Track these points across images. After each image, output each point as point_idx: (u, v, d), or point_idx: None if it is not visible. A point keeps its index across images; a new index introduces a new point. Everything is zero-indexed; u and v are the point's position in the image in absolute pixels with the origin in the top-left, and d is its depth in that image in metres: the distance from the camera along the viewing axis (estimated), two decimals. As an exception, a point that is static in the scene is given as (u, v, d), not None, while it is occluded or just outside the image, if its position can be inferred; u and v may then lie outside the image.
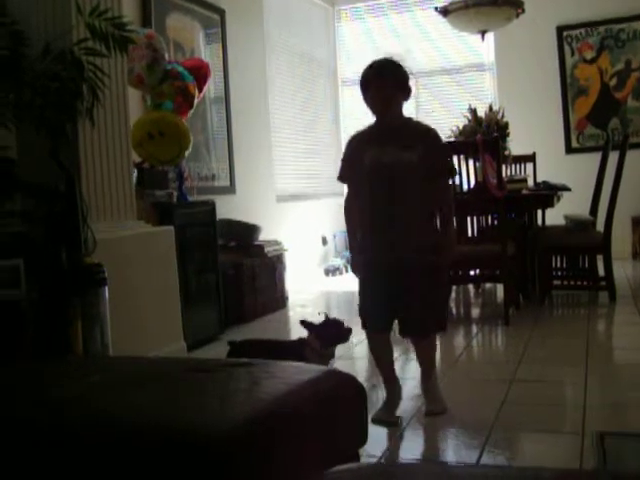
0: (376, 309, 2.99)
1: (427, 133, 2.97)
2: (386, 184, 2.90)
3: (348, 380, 1.80)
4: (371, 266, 2.99)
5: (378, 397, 3.18)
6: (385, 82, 2.89)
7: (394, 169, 2.87)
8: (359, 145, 3.00)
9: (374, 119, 2.99)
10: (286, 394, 1.59)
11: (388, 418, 2.95)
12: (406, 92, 2.94)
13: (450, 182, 3.33)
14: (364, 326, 3.05)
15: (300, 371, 1.74)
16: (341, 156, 3.10)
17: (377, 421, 2.91)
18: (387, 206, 2.91)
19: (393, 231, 2.90)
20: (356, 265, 3.09)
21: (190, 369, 1.79)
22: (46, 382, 1.94)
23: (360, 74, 2.97)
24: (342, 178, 3.09)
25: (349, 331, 3.16)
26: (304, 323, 3.17)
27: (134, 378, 1.78)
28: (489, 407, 3.03)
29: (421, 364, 3.09)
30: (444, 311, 3.16)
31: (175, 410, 1.58)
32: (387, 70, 2.93)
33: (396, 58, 2.98)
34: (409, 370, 3.65)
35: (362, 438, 1.85)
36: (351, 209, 3.08)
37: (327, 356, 3.02)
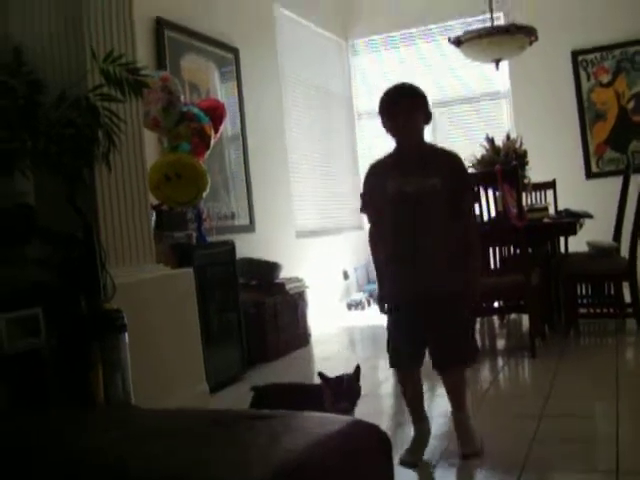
0: (404, 344, 2.94)
1: (450, 158, 2.93)
2: (410, 213, 2.84)
3: (372, 430, 1.75)
4: (397, 300, 2.95)
5: (405, 435, 3.12)
6: (404, 107, 2.84)
7: (418, 197, 2.81)
8: (380, 174, 2.94)
9: (394, 146, 2.94)
10: (310, 447, 1.54)
11: (415, 460, 2.88)
12: (426, 116, 2.90)
13: (472, 210, 3.28)
14: (393, 364, 3.01)
15: (323, 423, 1.70)
16: (361, 187, 3.06)
17: (404, 463, 2.85)
18: (411, 236, 2.85)
19: (418, 262, 2.84)
20: (382, 298, 3.04)
21: (211, 423, 1.75)
22: (66, 433, 1.91)
23: (378, 102, 2.93)
24: (364, 208, 3.04)
25: (358, 392, 2.94)
26: (321, 376, 3.05)
27: (155, 432, 1.74)
28: (519, 445, 2.96)
29: (451, 400, 2.99)
30: (472, 341, 3.09)
31: (196, 465, 1.53)
32: (405, 94, 2.89)
33: (414, 86, 2.94)
34: (437, 407, 3.58)
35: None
36: (375, 240, 3.04)
37: (341, 410, 2.86)
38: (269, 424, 1.67)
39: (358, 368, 2.95)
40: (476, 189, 4.56)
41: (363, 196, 3.02)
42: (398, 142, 2.92)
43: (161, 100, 4.22)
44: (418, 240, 2.84)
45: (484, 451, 2.90)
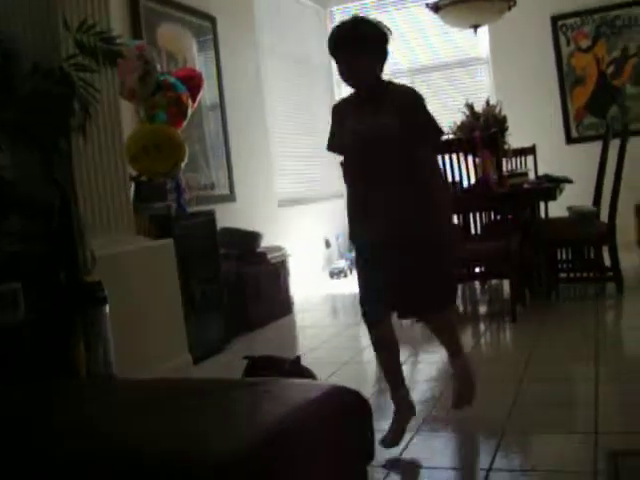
0: (374, 291, 2.75)
1: (402, 95, 2.72)
2: (366, 155, 2.69)
3: (352, 396, 1.76)
4: (365, 239, 2.77)
5: (387, 402, 3.13)
6: (348, 49, 2.62)
7: (371, 138, 2.65)
8: (341, 113, 2.80)
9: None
10: (289, 414, 1.55)
11: (397, 440, 2.71)
12: (381, 55, 2.69)
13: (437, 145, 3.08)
14: (363, 314, 2.81)
15: (304, 389, 1.70)
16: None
17: (386, 444, 2.67)
18: (372, 179, 2.69)
19: (383, 206, 2.68)
20: (352, 237, 2.88)
21: (195, 393, 1.75)
22: (48, 406, 1.91)
23: (328, 37, 2.70)
24: (330, 147, 2.87)
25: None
26: (247, 357, 3.01)
27: (135, 403, 1.74)
28: (500, 409, 2.99)
29: (446, 344, 2.89)
30: (453, 281, 2.94)
31: (176, 436, 1.54)
32: (348, 35, 2.65)
33: (370, 23, 2.70)
34: (419, 373, 3.60)
35: (369, 454, 1.81)
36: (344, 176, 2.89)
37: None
38: (253, 392, 1.68)
39: (298, 357, 2.96)
40: (455, 157, 4.56)
41: (329, 135, 2.86)
42: (352, 86, 2.74)
43: (137, 69, 4.16)
44: (379, 183, 2.68)
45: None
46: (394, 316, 2.91)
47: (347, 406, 1.73)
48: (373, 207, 2.70)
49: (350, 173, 2.82)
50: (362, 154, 2.71)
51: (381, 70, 2.72)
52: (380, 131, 2.63)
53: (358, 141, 2.69)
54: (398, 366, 2.88)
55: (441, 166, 4.31)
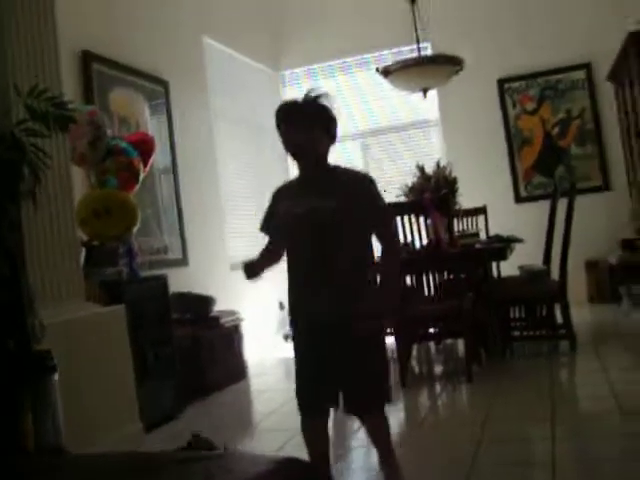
0: (310, 387, 2.63)
1: (353, 179, 2.63)
2: (303, 237, 2.59)
3: (305, 467, 1.72)
4: (299, 332, 2.68)
5: (343, 470, 3.09)
6: (297, 123, 2.56)
7: (309, 220, 2.55)
8: (279, 197, 2.73)
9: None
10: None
11: None
12: (328, 134, 2.60)
13: (391, 229, 2.85)
14: (299, 406, 2.66)
15: (256, 462, 1.67)
16: None
17: None
18: (307, 262, 2.59)
19: (317, 291, 2.56)
20: (291, 311, 2.74)
21: (145, 468, 1.70)
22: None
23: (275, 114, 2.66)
24: (262, 228, 2.81)
25: None
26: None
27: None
28: (457, 472, 2.96)
29: (378, 448, 2.69)
30: (388, 380, 2.70)
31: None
32: (299, 110, 2.60)
33: (321, 95, 2.61)
34: (356, 459, 3.49)
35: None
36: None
37: None
38: (205, 466, 1.63)
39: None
40: (407, 218, 4.60)
41: (265, 215, 2.80)
42: (297, 162, 2.65)
43: (87, 135, 4.14)
44: (314, 265, 2.58)
45: None
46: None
47: (300, 478, 1.69)
48: (309, 291, 2.61)
49: (287, 251, 2.73)
50: (299, 237, 2.62)
51: (327, 150, 2.64)
52: (322, 214, 2.53)
53: (296, 223, 2.61)
54: (327, 463, 2.71)
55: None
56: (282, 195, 2.74)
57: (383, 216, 2.70)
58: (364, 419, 2.70)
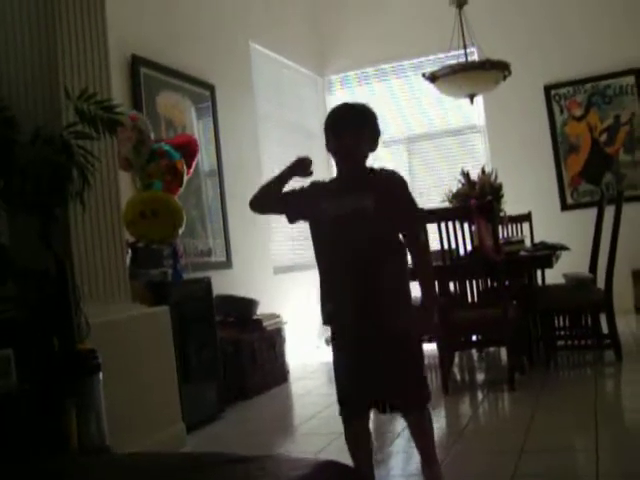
0: (351, 388, 2.67)
1: (387, 179, 2.68)
2: (344, 237, 2.60)
3: (347, 471, 1.72)
4: (342, 334, 2.70)
5: (383, 472, 3.08)
6: (350, 126, 2.64)
7: (351, 220, 2.58)
8: (317, 194, 2.72)
9: (335, 171, 2.77)
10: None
11: None
12: (372, 139, 2.68)
13: (422, 234, 2.81)
14: (341, 412, 2.71)
15: (298, 465, 1.67)
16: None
17: None
18: (347, 265, 2.60)
19: (358, 294, 2.58)
20: (328, 317, 2.73)
21: (189, 469, 1.71)
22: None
23: (327, 115, 2.74)
24: (292, 216, 2.79)
25: None
26: None
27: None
28: (499, 481, 2.93)
29: (420, 449, 2.73)
30: (426, 380, 2.74)
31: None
32: (352, 113, 2.69)
33: (366, 105, 2.73)
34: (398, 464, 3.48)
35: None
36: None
37: None
38: (246, 468, 1.64)
39: None
40: (451, 225, 4.57)
41: (294, 203, 2.76)
42: (339, 163, 2.72)
43: (130, 139, 4.19)
44: (356, 268, 2.59)
45: None
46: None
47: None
48: (353, 293, 2.61)
49: (322, 254, 2.75)
50: (336, 236, 2.64)
51: (369, 153, 2.70)
52: (358, 214, 2.58)
53: (338, 224, 2.62)
54: (370, 466, 2.76)
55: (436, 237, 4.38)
56: (320, 193, 2.73)
57: (415, 220, 2.73)
58: (408, 419, 2.72)
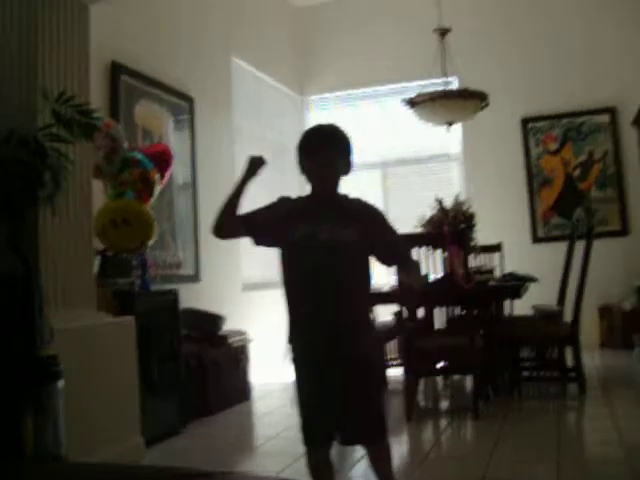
0: (316, 418, 2.60)
1: (366, 208, 2.66)
2: (320, 263, 2.54)
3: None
4: (303, 363, 2.63)
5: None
6: (325, 147, 2.59)
7: (332, 248, 2.52)
8: (289, 215, 2.64)
9: (309, 191, 2.69)
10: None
11: None
12: (346, 164, 2.63)
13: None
14: (304, 441, 2.62)
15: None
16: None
17: None
18: (320, 289, 2.54)
19: (328, 319, 2.54)
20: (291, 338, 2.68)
21: None
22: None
23: (301, 135, 2.68)
24: (259, 240, 2.75)
25: None
26: None
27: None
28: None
29: (377, 475, 2.66)
30: (383, 412, 2.68)
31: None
32: (328, 135, 2.64)
33: (340, 128, 2.67)
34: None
35: None
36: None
37: None
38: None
39: None
40: (423, 250, 4.58)
41: (256, 217, 2.71)
42: (314, 182, 2.63)
43: (103, 147, 4.13)
44: (329, 294, 2.54)
45: None
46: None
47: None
48: (323, 318, 2.56)
49: (291, 279, 2.67)
50: (310, 263, 2.56)
51: (343, 176, 2.65)
52: (343, 241, 2.53)
53: (317, 249, 2.54)
54: None
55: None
56: (292, 213, 2.66)
57: (402, 246, 2.75)
58: (369, 449, 2.66)
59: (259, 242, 2.77)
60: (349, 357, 2.54)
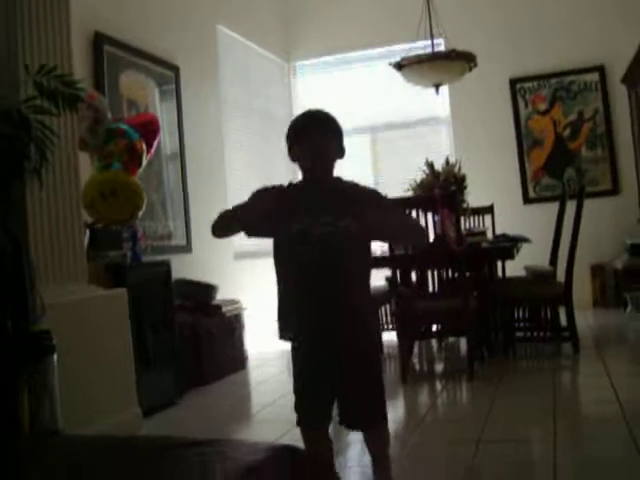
0: (310, 402, 2.56)
1: (362, 193, 2.57)
2: (319, 257, 2.46)
3: (304, 456, 1.69)
4: (300, 346, 2.60)
5: (341, 463, 3.06)
6: (318, 132, 2.51)
7: (329, 240, 2.45)
8: (286, 204, 2.50)
9: (301, 179, 2.60)
10: (242, 476, 1.48)
11: None
12: (339, 149, 2.57)
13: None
14: (299, 422, 2.58)
15: (255, 450, 1.63)
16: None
17: None
18: (320, 283, 2.49)
19: (327, 310, 2.50)
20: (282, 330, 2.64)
21: (143, 452, 1.66)
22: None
23: (291, 123, 2.60)
24: (252, 229, 2.60)
25: None
26: None
27: (81, 464, 1.65)
28: (457, 471, 2.92)
29: (378, 459, 2.64)
30: (383, 394, 2.62)
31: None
32: (319, 121, 2.57)
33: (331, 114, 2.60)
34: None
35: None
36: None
37: None
38: (201, 452, 1.60)
39: None
40: (414, 214, 4.56)
41: (253, 212, 2.51)
42: (306, 173, 2.57)
43: (86, 119, 4.06)
44: (327, 286, 2.49)
45: None
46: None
47: (299, 467, 1.66)
48: (322, 310, 2.51)
49: (288, 269, 2.60)
50: (315, 256, 2.48)
51: (336, 160, 2.58)
52: (340, 232, 2.45)
53: (313, 242, 2.46)
54: (331, 455, 2.68)
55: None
56: (289, 201, 2.54)
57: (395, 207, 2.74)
58: (368, 432, 2.62)
59: (252, 234, 2.68)
60: (350, 343, 2.50)
